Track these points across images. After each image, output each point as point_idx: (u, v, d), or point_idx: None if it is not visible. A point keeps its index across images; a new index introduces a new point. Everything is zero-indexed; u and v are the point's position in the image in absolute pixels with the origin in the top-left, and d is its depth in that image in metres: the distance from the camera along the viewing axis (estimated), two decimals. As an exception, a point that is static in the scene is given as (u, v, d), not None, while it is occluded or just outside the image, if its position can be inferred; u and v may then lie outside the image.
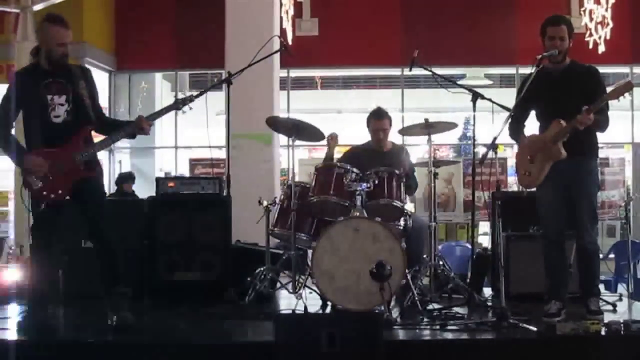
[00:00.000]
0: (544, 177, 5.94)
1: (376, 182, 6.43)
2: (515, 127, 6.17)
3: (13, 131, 5.70)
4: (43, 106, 5.59)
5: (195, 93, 6.10)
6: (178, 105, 5.95)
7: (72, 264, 6.79)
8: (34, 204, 5.64)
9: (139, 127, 5.73)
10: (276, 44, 7.75)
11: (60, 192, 5.55)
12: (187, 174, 14.12)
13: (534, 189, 6.15)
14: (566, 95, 5.87)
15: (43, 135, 5.61)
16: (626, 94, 5.64)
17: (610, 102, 5.80)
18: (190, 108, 6.02)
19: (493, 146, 5.81)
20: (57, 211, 5.63)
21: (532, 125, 6.20)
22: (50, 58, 5.62)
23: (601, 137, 6.07)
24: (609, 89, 5.82)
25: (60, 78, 5.64)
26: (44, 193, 5.55)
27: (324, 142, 7.30)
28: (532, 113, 6.18)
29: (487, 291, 7.12)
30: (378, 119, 7.35)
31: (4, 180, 13.33)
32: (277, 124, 7.29)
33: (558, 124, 5.79)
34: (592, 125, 5.69)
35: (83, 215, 5.70)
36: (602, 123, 5.84)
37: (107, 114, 5.92)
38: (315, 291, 6.27)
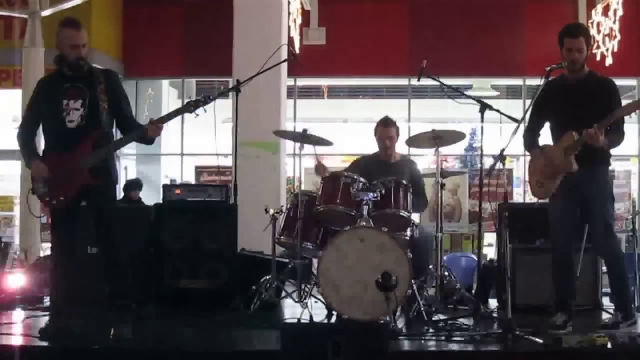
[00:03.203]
0: (556, 189, 5.93)
1: (383, 192, 6.41)
2: (531, 138, 6.17)
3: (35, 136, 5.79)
4: (59, 111, 5.60)
5: (204, 95, 6.01)
6: (189, 108, 5.85)
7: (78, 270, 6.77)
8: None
9: (149, 129, 5.68)
10: (284, 53, 7.76)
11: (61, 198, 5.57)
12: (192, 181, 14.13)
13: (546, 200, 6.15)
14: (580, 106, 5.86)
15: (58, 140, 5.64)
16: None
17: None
18: (205, 111, 5.94)
19: (502, 157, 5.79)
20: (73, 216, 5.65)
21: (545, 136, 6.20)
22: (67, 62, 5.65)
23: (609, 149, 6.07)
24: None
25: (79, 83, 5.65)
26: (47, 199, 5.61)
27: (331, 150, 7.27)
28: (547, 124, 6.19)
29: (493, 303, 7.09)
30: (385, 126, 7.35)
31: (10, 185, 13.38)
32: (284, 134, 7.31)
33: (570, 136, 5.78)
34: (607, 145, 5.70)
35: (93, 221, 5.69)
36: (615, 141, 5.84)
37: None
38: (321, 301, 6.26)
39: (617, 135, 5.83)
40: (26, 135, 5.75)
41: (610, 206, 6.01)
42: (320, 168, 7.11)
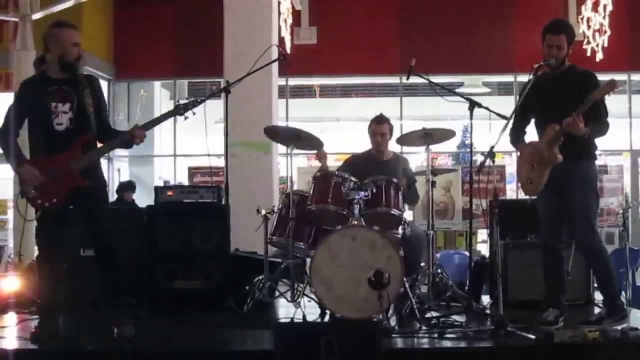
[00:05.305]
0: (544, 184, 5.94)
1: (374, 190, 6.44)
2: (516, 134, 6.18)
3: (18, 139, 5.70)
4: (46, 113, 5.59)
5: (193, 99, 6.06)
6: (179, 111, 5.90)
7: (72, 273, 6.77)
8: (36, 213, 5.68)
9: (131, 135, 5.72)
10: (274, 53, 7.77)
11: (54, 200, 5.56)
12: (185, 182, 14.13)
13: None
14: (560, 99, 5.85)
15: (45, 143, 5.62)
16: (611, 93, 5.63)
17: (609, 109, 5.82)
18: (194, 114, 5.96)
19: (491, 154, 5.82)
20: (59, 219, 5.64)
21: (533, 133, 6.22)
22: (63, 62, 5.64)
23: (599, 144, 6.06)
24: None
25: (65, 86, 5.64)
26: (39, 201, 5.58)
27: (324, 148, 7.27)
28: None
29: (486, 299, 7.12)
30: (377, 123, 7.38)
31: (3, 189, 13.34)
32: (276, 133, 7.32)
33: (552, 128, 5.80)
34: (588, 133, 5.70)
35: (85, 224, 5.70)
36: (598, 130, 5.83)
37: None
38: (313, 299, 6.27)
39: (598, 123, 5.81)
40: (9, 138, 5.67)
41: (592, 202, 5.95)
42: (321, 154, 7.15)
